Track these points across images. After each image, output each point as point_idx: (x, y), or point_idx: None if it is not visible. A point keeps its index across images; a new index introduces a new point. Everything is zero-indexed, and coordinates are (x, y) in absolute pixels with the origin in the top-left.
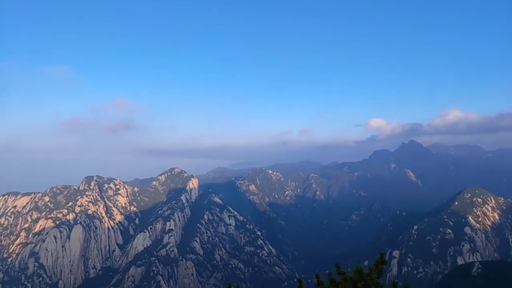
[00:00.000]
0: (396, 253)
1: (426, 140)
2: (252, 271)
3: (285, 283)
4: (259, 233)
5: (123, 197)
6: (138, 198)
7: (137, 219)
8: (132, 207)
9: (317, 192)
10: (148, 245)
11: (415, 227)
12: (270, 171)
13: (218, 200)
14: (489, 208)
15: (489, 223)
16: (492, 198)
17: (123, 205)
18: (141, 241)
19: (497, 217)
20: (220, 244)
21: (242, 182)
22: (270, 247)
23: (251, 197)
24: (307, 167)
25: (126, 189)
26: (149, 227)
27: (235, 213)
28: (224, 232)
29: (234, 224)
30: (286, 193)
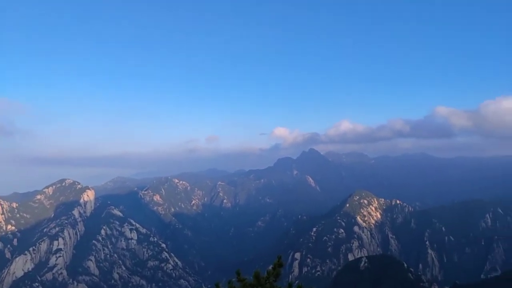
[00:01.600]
0: (297, 255)
1: (323, 149)
2: (156, 287)
3: None
4: (163, 245)
5: None
6: (17, 215)
7: (15, 239)
8: (9, 226)
9: (224, 200)
10: (30, 269)
11: (314, 229)
12: (176, 180)
13: (118, 213)
14: (373, 209)
15: (373, 221)
16: (375, 199)
17: None
18: (20, 265)
19: (379, 216)
20: (120, 261)
21: (145, 192)
22: (176, 259)
23: (155, 208)
24: (214, 175)
25: (1, 205)
26: (31, 249)
27: (138, 225)
28: (125, 247)
29: (136, 237)
30: (193, 202)
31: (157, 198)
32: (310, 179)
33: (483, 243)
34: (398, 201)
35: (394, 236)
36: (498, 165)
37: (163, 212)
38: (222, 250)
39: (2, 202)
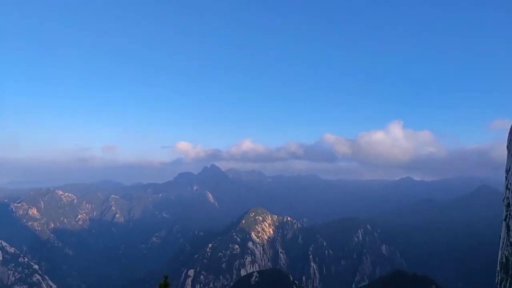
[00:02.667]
0: (191, 272)
1: (224, 165)
2: None
3: None
4: (36, 266)
5: None
6: None
7: None
8: None
9: (117, 215)
10: None
11: (210, 245)
12: (61, 192)
13: None
14: (267, 225)
15: (266, 237)
16: (269, 216)
17: None
18: None
19: (272, 232)
20: None
21: (18, 205)
22: (50, 282)
23: (30, 223)
24: (107, 187)
25: None
26: None
27: (4, 244)
28: None
29: (0, 258)
30: (79, 216)
31: (33, 211)
32: (210, 195)
33: (355, 256)
34: (289, 218)
35: (283, 251)
36: (371, 187)
37: (39, 228)
38: (110, 270)
39: None
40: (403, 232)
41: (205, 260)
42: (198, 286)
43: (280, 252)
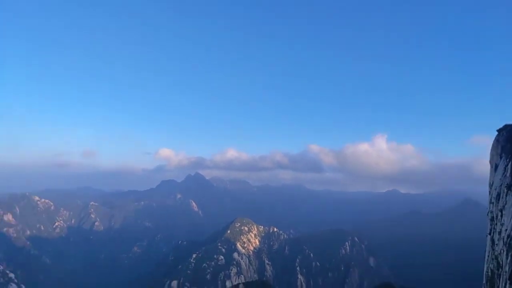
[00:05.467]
0: (174, 283)
1: (208, 173)
2: None
3: None
4: (12, 275)
5: None
6: None
7: None
8: None
9: (96, 223)
10: None
11: (194, 255)
12: (37, 198)
13: None
14: (252, 235)
15: (252, 248)
16: (255, 226)
17: None
18: None
19: (258, 242)
20: None
21: None
22: None
23: (5, 229)
24: (86, 194)
25: None
26: None
27: None
28: None
29: None
30: (56, 224)
31: (8, 217)
32: (194, 203)
33: (342, 268)
34: (275, 229)
35: (270, 263)
36: (357, 199)
37: (15, 235)
38: (89, 279)
39: None
40: (390, 243)
41: (188, 271)
42: None
43: (267, 263)
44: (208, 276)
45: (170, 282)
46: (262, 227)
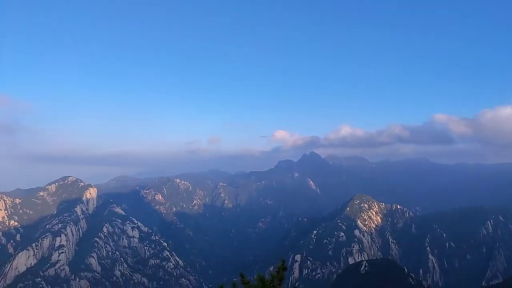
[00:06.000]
0: (298, 257)
1: (323, 152)
2: (156, 285)
3: None
4: (165, 244)
5: (1, 210)
6: (20, 211)
7: (18, 235)
8: (12, 222)
9: (226, 201)
10: (33, 264)
11: (314, 231)
12: (178, 180)
13: (120, 211)
14: (373, 213)
15: (374, 226)
16: (375, 204)
17: (1, 219)
18: (23, 260)
19: (379, 220)
20: (121, 259)
21: (147, 191)
22: (177, 258)
23: (157, 207)
24: (215, 176)
25: (4, 200)
26: (33, 244)
27: (139, 224)
28: (127, 245)
29: (138, 236)
30: (194, 202)
31: (159, 197)
32: (311, 181)
33: (484, 250)
34: (398, 206)
35: (394, 241)
36: (499, 172)
37: (164, 212)
38: (223, 250)
39: (5, 198)
40: None
41: (310, 246)
42: (306, 270)
43: (391, 242)
44: (330, 252)
45: (294, 256)
46: (383, 204)
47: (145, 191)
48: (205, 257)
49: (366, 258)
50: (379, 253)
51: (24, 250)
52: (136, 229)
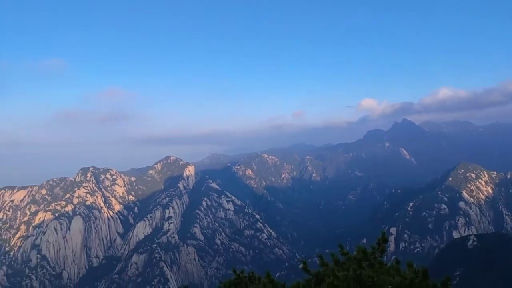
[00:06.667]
0: (393, 229)
1: (417, 119)
2: (253, 253)
3: (286, 264)
4: (257, 216)
5: (120, 186)
6: (136, 188)
7: (135, 208)
8: (130, 197)
9: (313, 174)
10: (149, 233)
11: (411, 204)
12: (266, 155)
13: (216, 186)
14: (483, 183)
15: (483, 197)
16: (485, 172)
17: (121, 195)
18: (141, 229)
19: (490, 191)
20: (220, 229)
21: (238, 167)
22: (270, 229)
23: (248, 181)
24: (301, 150)
25: (122, 179)
26: (148, 215)
27: (233, 198)
28: (223, 217)
29: (232, 208)
30: (283, 176)
31: (249, 172)
32: (404, 151)
33: None
34: None
35: (510, 213)
36: None
37: (255, 186)
38: (313, 222)
39: (123, 177)
40: None
41: (407, 219)
42: (403, 244)
43: (506, 214)
44: (429, 225)
45: (389, 229)
46: (495, 172)
47: (236, 167)
48: (296, 229)
49: (474, 232)
50: (490, 227)
51: (141, 221)
52: (230, 202)
